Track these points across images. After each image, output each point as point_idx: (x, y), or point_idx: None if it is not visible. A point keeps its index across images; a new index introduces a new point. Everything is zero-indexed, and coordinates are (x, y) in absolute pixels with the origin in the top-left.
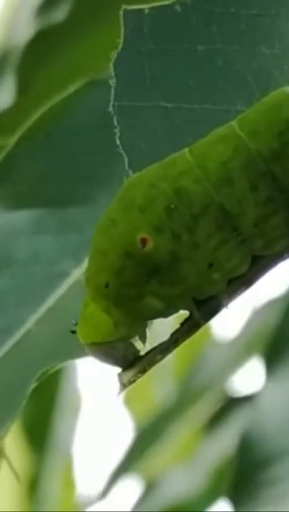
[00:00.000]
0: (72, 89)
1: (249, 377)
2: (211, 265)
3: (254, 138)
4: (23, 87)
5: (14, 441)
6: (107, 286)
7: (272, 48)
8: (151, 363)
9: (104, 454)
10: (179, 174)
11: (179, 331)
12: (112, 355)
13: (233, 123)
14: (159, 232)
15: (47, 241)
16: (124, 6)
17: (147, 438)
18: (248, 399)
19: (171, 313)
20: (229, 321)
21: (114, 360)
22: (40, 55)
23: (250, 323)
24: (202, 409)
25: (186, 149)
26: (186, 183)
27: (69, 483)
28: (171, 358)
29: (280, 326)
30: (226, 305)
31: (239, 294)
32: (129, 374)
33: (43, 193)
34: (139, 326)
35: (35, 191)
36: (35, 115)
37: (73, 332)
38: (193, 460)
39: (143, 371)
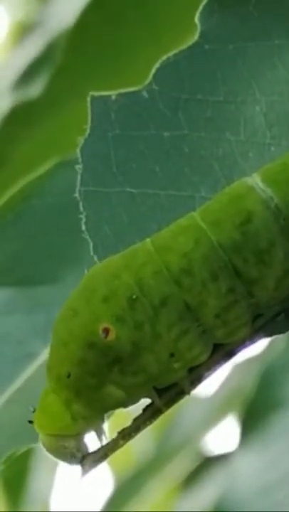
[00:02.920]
0: (43, 169)
1: (224, 436)
2: (172, 355)
3: (215, 229)
4: None
5: None
6: (68, 376)
7: (237, 134)
8: (113, 449)
9: (81, 509)
10: (141, 265)
11: (141, 416)
12: (63, 451)
13: (195, 214)
14: (121, 322)
15: (17, 321)
16: (91, 93)
17: (125, 494)
18: (223, 458)
19: (131, 403)
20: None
21: (64, 457)
22: (14, 132)
23: (229, 379)
24: (179, 467)
25: (148, 240)
26: (147, 274)
27: None
28: None
29: (257, 386)
30: (188, 392)
31: (201, 381)
32: (91, 459)
33: (12, 273)
34: (97, 420)
35: (5, 270)
36: (6, 195)
37: (30, 422)
38: None
39: (104, 457)
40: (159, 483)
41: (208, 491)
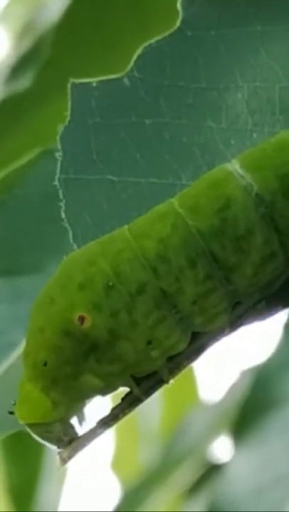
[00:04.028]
0: (26, 159)
1: (226, 444)
2: (149, 343)
3: (193, 215)
4: None
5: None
6: (45, 364)
7: (219, 122)
8: (91, 439)
9: None
10: (118, 252)
11: (119, 406)
12: (50, 436)
13: (173, 200)
14: (97, 309)
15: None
16: (71, 80)
17: (132, 501)
18: (221, 466)
19: (109, 392)
20: (216, 383)
21: (51, 441)
22: (2, 125)
23: (235, 387)
24: (185, 475)
25: (125, 226)
26: (124, 261)
27: None
28: (157, 420)
29: (252, 386)
30: (166, 381)
31: (181, 370)
32: (69, 450)
33: None
34: (76, 406)
35: None
36: None
37: (11, 413)
38: None
39: (82, 447)
40: (165, 491)
41: (208, 497)
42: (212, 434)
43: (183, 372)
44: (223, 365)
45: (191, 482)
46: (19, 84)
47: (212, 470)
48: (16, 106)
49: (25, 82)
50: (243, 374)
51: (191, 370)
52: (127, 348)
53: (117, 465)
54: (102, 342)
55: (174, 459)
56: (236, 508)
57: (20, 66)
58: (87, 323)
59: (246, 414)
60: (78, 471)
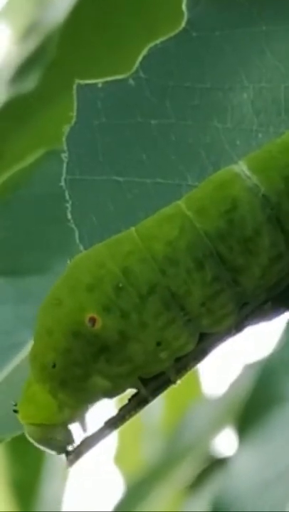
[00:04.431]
0: (31, 159)
1: (228, 439)
2: (158, 344)
3: (201, 217)
4: None
5: (1, 501)
6: (53, 366)
7: (224, 122)
8: (98, 439)
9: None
10: (127, 254)
11: (126, 406)
12: (49, 441)
13: (180, 202)
14: (107, 311)
15: (4, 311)
16: (77, 81)
17: (135, 496)
18: (224, 461)
19: (116, 394)
20: (219, 377)
21: (48, 445)
22: (8, 127)
23: (238, 381)
24: (188, 469)
25: (132, 229)
26: (133, 263)
27: None
28: (160, 414)
29: (255, 383)
30: (174, 381)
31: (188, 370)
32: (77, 450)
33: (0, 262)
34: (81, 410)
35: None
36: None
37: (16, 411)
38: None
39: (89, 448)
40: (168, 486)
41: (211, 492)
42: (215, 428)
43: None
44: (225, 360)
45: (193, 477)
46: (25, 85)
47: (215, 465)
48: (22, 107)
49: (30, 84)
50: (246, 368)
51: None
52: (137, 349)
53: (120, 460)
54: (112, 343)
55: (176, 454)
56: (239, 503)
57: (25, 67)
58: (98, 325)
59: (250, 410)
60: (81, 467)
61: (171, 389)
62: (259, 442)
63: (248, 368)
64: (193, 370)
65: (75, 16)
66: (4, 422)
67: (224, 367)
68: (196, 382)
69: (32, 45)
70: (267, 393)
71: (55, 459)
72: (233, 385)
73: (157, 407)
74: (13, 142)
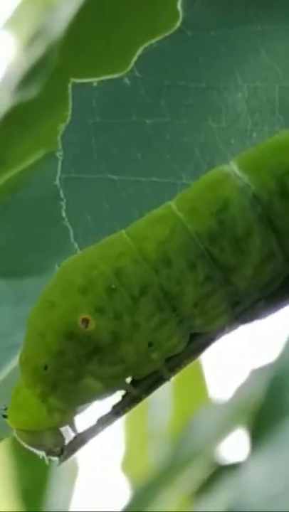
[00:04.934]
0: (29, 162)
1: (238, 443)
2: (150, 345)
3: (192, 217)
4: None
5: (10, 507)
6: (45, 368)
7: (219, 121)
8: (91, 436)
9: None
10: (119, 255)
11: (120, 403)
12: (40, 445)
13: (172, 203)
14: (100, 312)
15: (2, 312)
16: (72, 79)
17: (141, 502)
18: (236, 466)
19: (107, 395)
20: (227, 381)
21: (40, 450)
22: (12, 133)
23: (244, 386)
24: (194, 475)
25: (123, 231)
26: (125, 264)
27: None
28: (167, 419)
29: (267, 392)
30: (167, 378)
31: (182, 367)
32: (70, 447)
33: None
34: (71, 413)
35: None
36: None
37: (5, 416)
38: None
39: (82, 445)
40: (175, 491)
41: (221, 499)
42: (222, 433)
43: (192, 371)
44: (232, 364)
45: (200, 482)
46: (28, 92)
47: (222, 470)
48: (25, 114)
49: (33, 91)
50: (253, 373)
51: (200, 369)
52: (129, 350)
53: (127, 465)
54: (104, 344)
55: (183, 459)
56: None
57: (29, 75)
58: (90, 326)
59: (261, 419)
60: (88, 472)
61: (178, 393)
62: (270, 452)
63: (256, 372)
64: (199, 374)
65: (77, 24)
66: (4, 422)
67: (230, 371)
68: (202, 387)
69: (36, 53)
70: (279, 401)
71: (63, 464)
72: (240, 390)
73: (164, 411)
74: (16, 147)
